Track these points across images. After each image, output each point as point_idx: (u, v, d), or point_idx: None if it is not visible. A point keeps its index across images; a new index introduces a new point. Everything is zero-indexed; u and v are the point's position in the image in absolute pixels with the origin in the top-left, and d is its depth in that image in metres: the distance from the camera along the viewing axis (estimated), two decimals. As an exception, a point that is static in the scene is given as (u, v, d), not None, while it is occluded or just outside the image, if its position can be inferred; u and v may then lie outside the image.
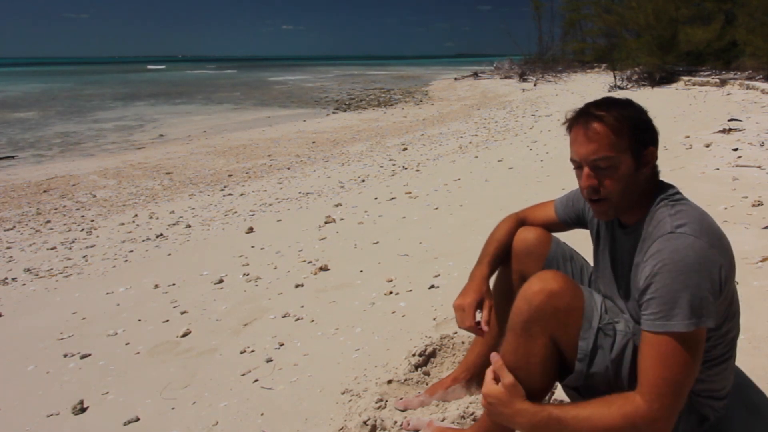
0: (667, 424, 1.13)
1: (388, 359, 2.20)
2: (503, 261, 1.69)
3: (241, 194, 7.22)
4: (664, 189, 1.33)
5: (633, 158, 1.28)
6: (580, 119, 1.32)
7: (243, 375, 2.27)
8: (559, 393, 1.67)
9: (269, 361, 2.36)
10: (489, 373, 1.31)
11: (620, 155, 1.27)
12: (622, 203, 1.31)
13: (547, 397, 1.65)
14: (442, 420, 1.68)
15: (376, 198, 5.83)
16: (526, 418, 1.23)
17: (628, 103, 1.33)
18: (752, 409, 1.59)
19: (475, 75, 33.69)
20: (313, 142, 11.56)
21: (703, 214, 1.26)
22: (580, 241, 1.81)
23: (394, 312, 2.72)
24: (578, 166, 1.33)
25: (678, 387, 1.14)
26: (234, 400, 2.08)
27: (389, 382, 1.95)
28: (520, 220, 1.73)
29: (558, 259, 1.65)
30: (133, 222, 6.25)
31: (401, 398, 1.84)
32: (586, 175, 1.30)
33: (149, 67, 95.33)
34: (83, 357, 2.68)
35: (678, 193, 1.32)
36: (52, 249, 5.39)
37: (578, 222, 1.66)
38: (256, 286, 3.46)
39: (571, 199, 1.66)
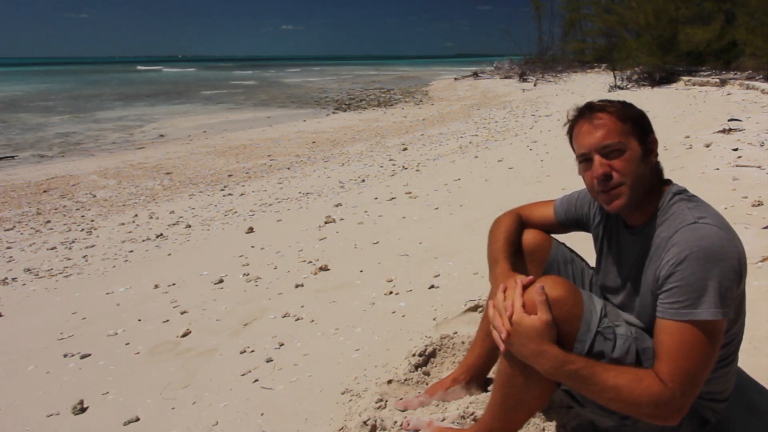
0: (683, 412, 1.14)
1: (388, 359, 2.20)
2: (516, 257, 1.60)
3: (241, 194, 7.22)
4: (675, 186, 1.35)
5: (639, 144, 1.31)
6: (584, 113, 1.35)
7: (243, 375, 2.27)
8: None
9: (269, 361, 2.36)
10: (517, 301, 1.25)
11: (627, 140, 1.30)
12: (636, 187, 1.30)
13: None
14: (442, 420, 1.68)
15: (376, 198, 5.83)
16: (552, 362, 1.19)
17: (623, 101, 1.38)
18: (752, 410, 1.59)
19: (475, 75, 33.71)
20: (313, 142, 11.56)
21: (717, 211, 1.27)
22: (580, 242, 1.81)
23: (394, 312, 2.71)
24: (587, 158, 1.33)
25: (699, 377, 1.14)
26: (234, 400, 2.08)
27: (389, 382, 1.95)
28: (519, 218, 1.69)
29: (558, 262, 1.64)
30: (133, 222, 6.25)
31: (401, 398, 1.84)
32: (597, 164, 1.31)
33: (139, 68, 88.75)
34: (83, 357, 2.68)
35: (687, 191, 1.34)
36: (52, 249, 5.39)
37: (577, 225, 1.64)
38: (256, 286, 3.46)
39: (572, 202, 1.64)
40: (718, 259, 1.15)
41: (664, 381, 1.12)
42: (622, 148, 1.29)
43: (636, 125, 1.32)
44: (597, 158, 1.31)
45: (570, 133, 1.39)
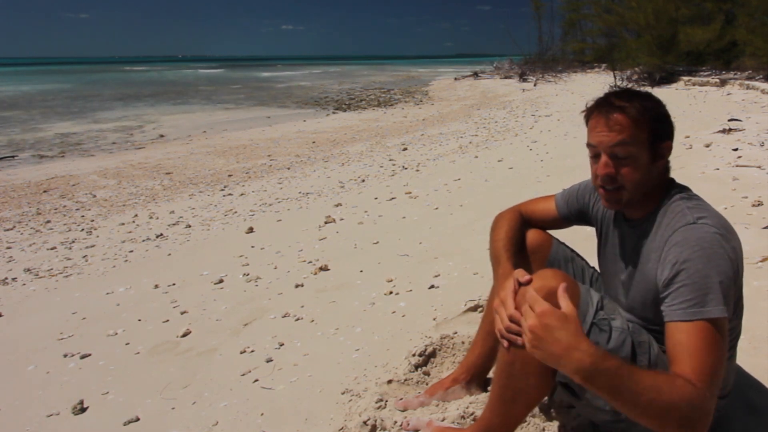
0: (713, 408, 1.10)
1: (388, 359, 2.20)
2: (518, 255, 1.59)
3: (241, 194, 7.22)
4: (677, 185, 1.36)
5: (650, 150, 1.31)
6: (602, 108, 1.33)
7: (243, 375, 2.27)
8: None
9: (269, 361, 2.36)
10: (535, 296, 1.17)
11: (639, 147, 1.29)
12: (636, 193, 1.32)
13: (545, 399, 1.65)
14: (442, 420, 1.68)
15: (376, 198, 5.83)
16: (591, 357, 1.07)
17: (649, 96, 1.35)
18: (752, 409, 1.59)
19: (475, 75, 33.69)
20: (313, 142, 11.56)
21: (717, 211, 1.29)
22: (580, 242, 1.81)
23: (394, 312, 2.72)
24: (596, 153, 1.34)
25: (719, 374, 1.13)
26: (234, 400, 2.08)
27: (389, 382, 1.95)
28: (520, 215, 1.69)
29: (559, 261, 1.65)
30: (133, 222, 6.25)
31: (401, 398, 1.84)
32: (603, 164, 1.31)
33: (125, 68, 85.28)
34: (83, 357, 2.68)
35: (690, 190, 1.36)
36: (52, 249, 5.39)
37: (580, 218, 1.64)
38: (256, 286, 3.46)
39: (573, 193, 1.64)
40: (720, 257, 1.17)
41: (692, 381, 1.08)
42: (631, 155, 1.29)
43: (652, 132, 1.30)
44: (604, 158, 1.31)
45: (587, 118, 1.38)
